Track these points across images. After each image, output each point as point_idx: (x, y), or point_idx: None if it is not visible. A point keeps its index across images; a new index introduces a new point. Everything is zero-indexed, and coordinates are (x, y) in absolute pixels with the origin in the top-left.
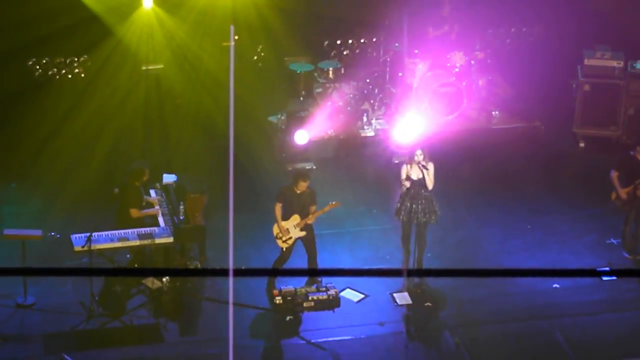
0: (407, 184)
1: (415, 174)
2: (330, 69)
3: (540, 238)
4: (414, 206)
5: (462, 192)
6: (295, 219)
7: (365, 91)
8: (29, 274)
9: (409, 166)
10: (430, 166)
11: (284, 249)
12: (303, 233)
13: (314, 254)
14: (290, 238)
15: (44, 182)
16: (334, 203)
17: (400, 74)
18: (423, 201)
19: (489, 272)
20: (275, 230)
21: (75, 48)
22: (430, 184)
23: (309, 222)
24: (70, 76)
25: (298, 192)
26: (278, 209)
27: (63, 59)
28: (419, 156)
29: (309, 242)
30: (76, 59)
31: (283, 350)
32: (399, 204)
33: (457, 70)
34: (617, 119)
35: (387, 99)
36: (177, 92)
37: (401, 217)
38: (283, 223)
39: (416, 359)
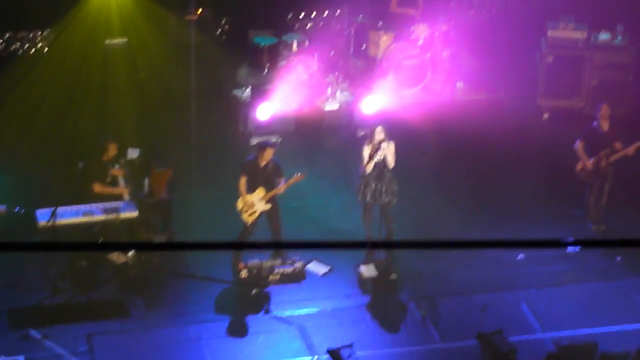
0: (371, 166)
1: (378, 155)
2: (294, 41)
3: (505, 209)
4: (378, 186)
5: (426, 164)
6: (260, 192)
7: (329, 64)
8: None
9: (370, 146)
10: (391, 145)
11: (249, 223)
12: (268, 206)
13: (279, 228)
14: (255, 212)
15: (7, 157)
16: (298, 176)
17: (363, 47)
18: (386, 182)
19: (454, 244)
20: (240, 204)
21: (38, 22)
22: (392, 163)
23: (279, 192)
24: (33, 51)
25: (262, 164)
26: (242, 182)
27: (26, 33)
28: (380, 134)
29: (273, 215)
30: (40, 33)
31: (249, 324)
32: (362, 185)
33: (421, 42)
34: (581, 90)
35: (351, 72)
36: (140, 65)
37: (365, 198)
38: (248, 197)
39: (382, 331)
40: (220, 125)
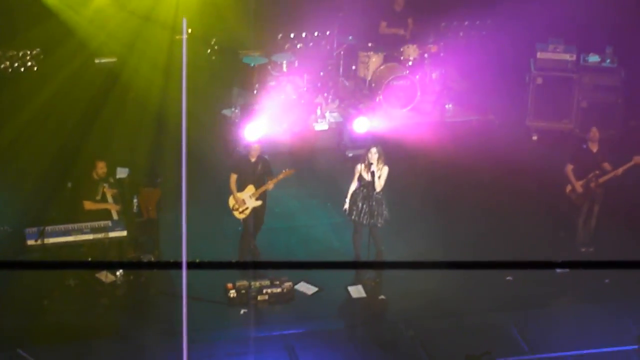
0: (359, 185)
1: (368, 176)
2: (284, 62)
3: (493, 230)
4: (364, 207)
5: (416, 185)
6: (250, 189)
7: (319, 84)
8: None
9: (363, 165)
10: (385, 169)
11: (244, 224)
12: (259, 202)
13: (262, 223)
14: (247, 208)
15: None
16: (287, 171)
17: (353, 67)
18: (373, 203)
19: (442, 265)
20: (231, 202)
21: (28, 41)
22: (378, 187)
23: (269, 188)
24: (23, 69)
25: (252, 160)
26: (233, 180)
27: (16, 52)
28: (374, 155)
29: (260, 211)
30: (29, 52)
31: (237, 344)
32: (350, 203)
33: (410, 63)
34: (570, 112)
35: (340, 92)
36: (130, 85)
37: (351, 215)
38: (238, 195)
39: (371, 352)
40: (209, 144)
